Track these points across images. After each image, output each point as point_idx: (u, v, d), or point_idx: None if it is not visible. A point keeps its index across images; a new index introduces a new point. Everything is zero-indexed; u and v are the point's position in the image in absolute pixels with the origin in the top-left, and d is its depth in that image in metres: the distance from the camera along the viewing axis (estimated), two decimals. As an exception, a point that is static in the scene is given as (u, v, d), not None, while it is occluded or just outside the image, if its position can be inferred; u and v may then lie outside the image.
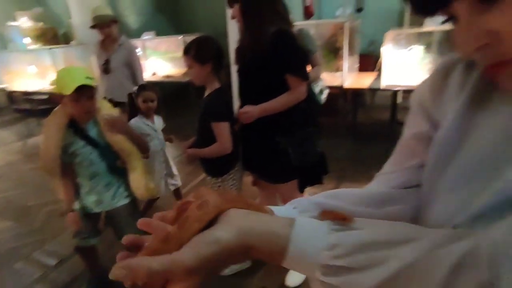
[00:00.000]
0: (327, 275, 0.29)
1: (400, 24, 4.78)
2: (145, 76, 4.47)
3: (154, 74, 4.59)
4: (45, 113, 1.63)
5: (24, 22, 5.54)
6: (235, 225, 0.30)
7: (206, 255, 0.27)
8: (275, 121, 1.43)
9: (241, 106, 1.44)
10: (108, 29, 2.61)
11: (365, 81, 3.33)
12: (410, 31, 2.96)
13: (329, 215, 0.32)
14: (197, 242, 0.28)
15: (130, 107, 2.04)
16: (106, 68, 2.68)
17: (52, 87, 4.05)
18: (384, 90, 3.10)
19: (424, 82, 0.44)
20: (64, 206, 1.43)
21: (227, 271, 1.67)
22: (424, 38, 2.89)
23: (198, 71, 1.40)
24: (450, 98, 0.40)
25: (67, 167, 1.40)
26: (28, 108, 5.13)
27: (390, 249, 0.28)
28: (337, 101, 4.26)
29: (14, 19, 5.57)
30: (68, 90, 1.21)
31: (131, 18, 4.92)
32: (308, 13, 4.73)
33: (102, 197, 1.47)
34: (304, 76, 1.41)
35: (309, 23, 4.05)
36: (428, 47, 2.91)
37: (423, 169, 0.42)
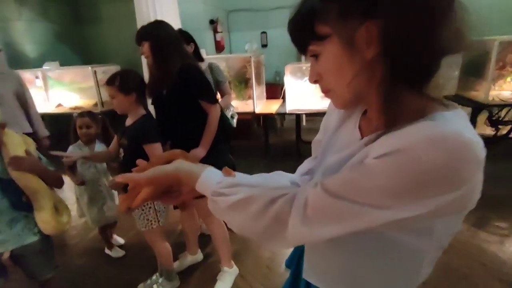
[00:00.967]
0: (213, 195, 0.54)
1: (298, 58, 5.55)
2: (49, 107, 4.15)
3: (59, 105, 4.25)
4: None
5: None
6: (174, 165, 0.57)
7: (156, 174, 0.56)
8: (194, 139, 1.63)
9: (162, 134, 1.58)
10: None
11: (273, 107, 3.76)
12: (305, 64, 3.52)
13: (225, 171, 0.58)
14: (154, 169, 0.57)
15: (72, 133, 1.99)
16: None
17: None
18: (289, 114, 3.55)
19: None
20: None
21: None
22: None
23: (121, 100, 1.49)
24: (333, 117, 0.64)
25: None
26: None
27: (243, 187, 0.52)
28: (251, 126, 4.64)
29: None
30: None
31: (28, 47, 4.52)
32: (219, 47, 5.13)
33: (5, 235, 1.36)
34: (212, 100, 1.66)
35: (221, 57, 4.41)
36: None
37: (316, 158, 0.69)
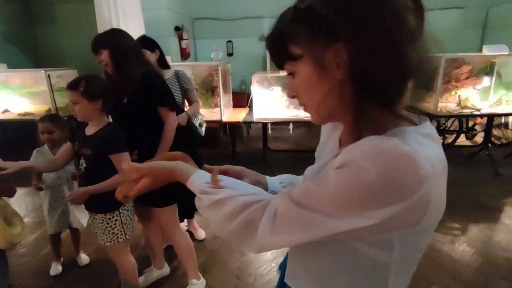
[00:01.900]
0: (200, 193, 0.58)
1: (264, 67, 5.65)
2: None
3: (5, 111, 3.88)
4: None
5: None
6: (173, 163, 0.65)
7: (156, 167, 0.65)
8: (155, 149, 1.59)
9: None
10: None
11: (240, 115, 3.77)
12: (271, 74, 3.59)
13: (206, 168, 0.66)
14: (156, 162, 0.67)
15: (38, 138, 1.91)
16: None
17: None
18: (256, 122, 3.58)
19: None
20: None
21: None
22: (282, 81, 3.55)
23: (85, 107, 1.40)
24: (328, 126, 0.67)
25: None
26: None
27: (226, 189, 0.57)
28: (218, 134, 4.60)
29: None
30: None
31: (-30, 47, 4.11)
32: (185, 54, 5.06)
33: None
34: (171, 107, 1.64)
35: (187, 64, 4.35)
36: (284, 88, 3.58)
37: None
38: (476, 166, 3.62)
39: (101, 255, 2.19)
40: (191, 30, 5.62)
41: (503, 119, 4.55)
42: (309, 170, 0.66)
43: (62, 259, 2.13)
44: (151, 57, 2.03)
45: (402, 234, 0.46)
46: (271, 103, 3.57)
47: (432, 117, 3.35)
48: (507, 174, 3.32)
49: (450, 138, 4.17)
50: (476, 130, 4.15)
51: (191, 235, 2.43)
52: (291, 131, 5.33)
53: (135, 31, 2.98)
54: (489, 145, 3.68)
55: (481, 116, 3.55)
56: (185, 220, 2.42)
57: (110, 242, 1.53)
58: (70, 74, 3.77)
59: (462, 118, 3.90)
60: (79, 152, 1.48)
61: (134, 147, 1.57)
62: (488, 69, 3.32)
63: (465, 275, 1.93)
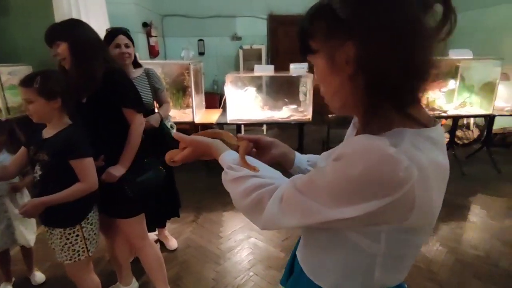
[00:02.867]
0: (227, 168, 0.65)
1: (237, 67, 5.54)
2: None
3: None
4: None
5: None
6: (212, 140, 0.73)
7: (197, 139, 0.73)
8: (118, 154, 1.45)
9: None
10: None
11: (213, 116, 3.64)
12: (245, 74, 3.50)
13: (240, 137, 0.76)
14: (199, 136, 0.75)
15: None
16: None
17: None
18: (229, 124, 3.47)
19: None
20: None
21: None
22: (255, 81, 3.48)
23: (42, 106, 1.23)
24: (354, 120, 0.69)
25: None
26: None
27: (246, 169, 0.63)
28: (189, 136, 4.42)
29: None
30: None
31: None
32: (153, 52, 4.83)
33: None
34: (138, 108, 1.49)
35: (156, 62, 4.13)
36: (258, 88, 3.50)
37: None
38: (442, 165, 3.77)
39: (59, 272, 1.97)
40: (160, 27, 5.38)
41: (465, 121, 4.81)
42: (324, 154, 0.73)
43: (13, 279, 1.89)
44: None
45: (389, 229, 0.50)
46: (245, 104, 3.48)
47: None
48: (471, 173, 3.48)
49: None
50: (441, 131, 4.34)
51: (162, 245, 2.27)
52: (264, 132, 5.27)
53: (99, 26, 2.76)
54: (454, 145, 3.85)
55: (447, 117, 3.70)
56: (156, 230, 2.26)
57: (70, 260, 1.35)
58: (24, 71, 3.41)
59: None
60: (34, 158, 1.30)
61: (96, 151, 1.40)
62: (454, 72, 3.47)
63: (441, 275, 1.96)
